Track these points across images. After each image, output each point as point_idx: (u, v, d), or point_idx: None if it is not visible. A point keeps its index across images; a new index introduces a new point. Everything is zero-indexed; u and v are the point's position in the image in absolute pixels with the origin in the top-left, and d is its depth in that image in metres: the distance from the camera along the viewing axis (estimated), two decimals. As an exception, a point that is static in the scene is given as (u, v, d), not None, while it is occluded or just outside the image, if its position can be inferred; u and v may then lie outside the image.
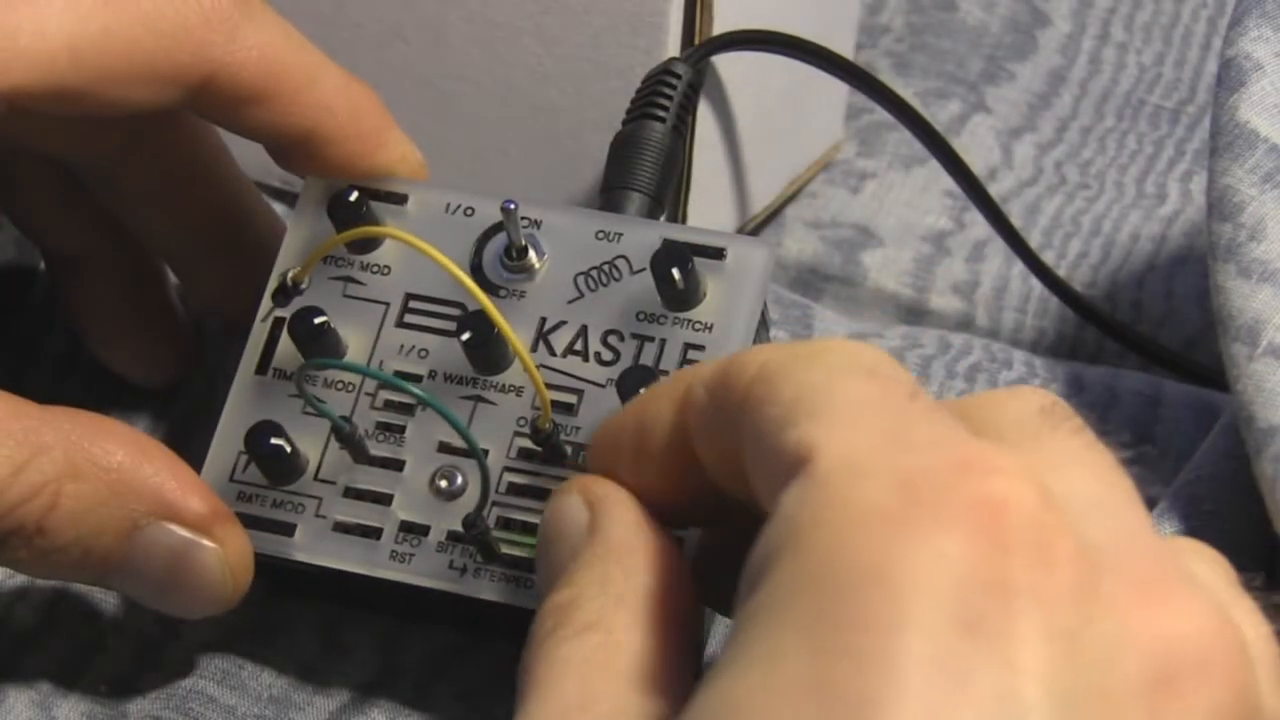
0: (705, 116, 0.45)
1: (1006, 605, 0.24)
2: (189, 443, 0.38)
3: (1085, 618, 0.25)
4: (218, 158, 0.41)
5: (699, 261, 0.37)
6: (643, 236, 0.38)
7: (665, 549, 0.31)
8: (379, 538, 0.36)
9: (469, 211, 0.39)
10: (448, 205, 0.39)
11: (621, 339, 0.37)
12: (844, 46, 0.50)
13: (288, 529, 0.37)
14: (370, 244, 0.39)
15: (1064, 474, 0.27)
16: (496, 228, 0.38)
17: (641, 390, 0.35)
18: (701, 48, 0.43)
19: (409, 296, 0.38)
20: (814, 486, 0.26)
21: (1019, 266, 0.49)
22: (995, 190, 0.51)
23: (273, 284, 0.38)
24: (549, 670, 0.28)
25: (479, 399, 0.37)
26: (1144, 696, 0.25)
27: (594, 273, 0.38)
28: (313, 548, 0.36)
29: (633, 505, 0.31)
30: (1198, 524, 0.36)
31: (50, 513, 0.34)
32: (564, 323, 0.37)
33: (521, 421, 0.37)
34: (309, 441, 0.37)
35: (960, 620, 0.24)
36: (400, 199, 0.39)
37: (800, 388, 0.28)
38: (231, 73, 0.36)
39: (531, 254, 0.38)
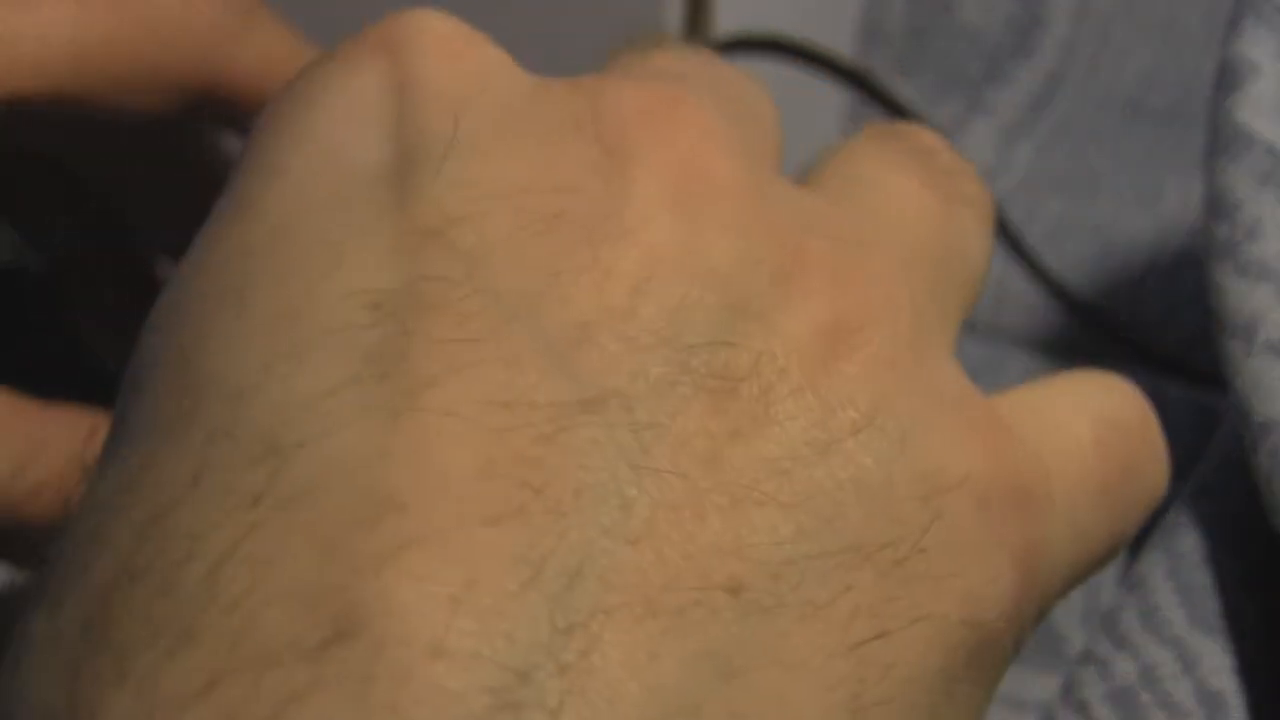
0: (705, 117, 0.45)
1: None
2: (189, 442, 0.38)
3: None
4: (219, 158, 0.41)
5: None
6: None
7: None
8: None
9: (469, 212, 0.39)
10: (448, 205, 0.39)
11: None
12: (843, 48, 0.50)
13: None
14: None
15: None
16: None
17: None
18: (701, 49, 0.43)
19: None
20: None
21: (1019, 267, 0.49)
22: (995, 190, 0.51)
23: (274, 284, 0.38)
24: None
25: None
26: None
27: (594, 272, 0.38)
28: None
29: None
30: (1216, 529, 0.36)
31: (52, 511, 0.34)
32: (564, 322, 0.37)
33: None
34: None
35: None
36: (401, 199, 0.39)
37: None
38: (234, 80, 0.36)
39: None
